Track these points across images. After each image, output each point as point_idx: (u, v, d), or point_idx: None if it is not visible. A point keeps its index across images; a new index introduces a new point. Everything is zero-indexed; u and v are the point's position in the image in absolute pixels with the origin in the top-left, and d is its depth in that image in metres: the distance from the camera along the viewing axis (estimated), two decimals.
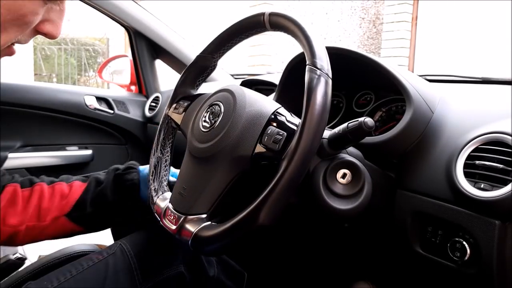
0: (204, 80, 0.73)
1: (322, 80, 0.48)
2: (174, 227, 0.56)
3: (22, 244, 0.73)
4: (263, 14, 0.58)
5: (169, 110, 0.72)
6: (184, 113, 0.68)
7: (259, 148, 0.52)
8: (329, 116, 0.56)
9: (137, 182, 0.77)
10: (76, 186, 0.75)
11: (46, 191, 0.72)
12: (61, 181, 0.75)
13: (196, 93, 0.72)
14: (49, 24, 0.48)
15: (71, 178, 0.77)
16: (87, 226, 0.76)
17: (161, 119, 0.73)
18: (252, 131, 0.54)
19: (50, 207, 0.71)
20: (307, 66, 0.49)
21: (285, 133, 0.51)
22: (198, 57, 0.69)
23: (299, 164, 0.46)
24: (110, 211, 0.76)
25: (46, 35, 0.49)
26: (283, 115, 0.54)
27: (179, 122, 0.69)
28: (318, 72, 0.48)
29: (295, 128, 0.52)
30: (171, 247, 0.73)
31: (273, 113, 0.54)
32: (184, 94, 0.72)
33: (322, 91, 0.47)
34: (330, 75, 0.49)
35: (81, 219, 0.74)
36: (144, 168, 0.80)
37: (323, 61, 0.49)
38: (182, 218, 0.55)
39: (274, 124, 0.53)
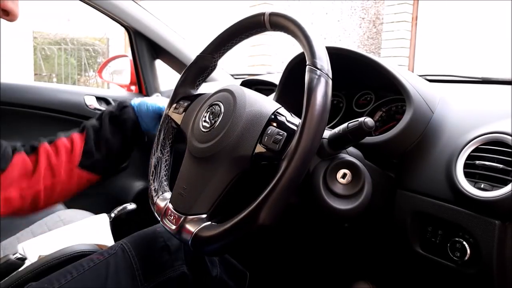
0: (204, 80, 0.73)
1: (322, 80, 0.48)
2: (174, 227, 0.56)
3: (47, 207, 0.74)
4: (263, 14, 0.58)
5: (169, 110, 0.72)
6: (184, 113, 0.68)
7: (259, 148, 0.52)
8: (329, 116, 0.56)
9: (135, 118, 0.80)
10: (76, 138, 0.76)
11: (50, 149, 0.73)
12: (59, 137, 0.76)
13: (196, 93, 0.72)
14: (9, 1, 0.52)
15: (67, 133, 0.78)
16: (101, 171, 0.77)
17: (161, 119, 0.73)
18: (252, 131, 0.53)
19: (60, 163, 0.72)
20: (307, 66, 0.49)
21: (285, 133, 0.51)
22: (198, 57, 0.69)
23: (299, 164, 0.46)
24: (116, 152, 0.78)
25: (9, 14, 0.53)
26: (283, 115, 0.54)
27: (179, 122, 0.69)
28: (318, 72, 0.48)
29: (295, 128, 0.52)
30: (173, 247, 0.73)
31: (273, 113, 0.54)
32: (184, 94, 0.72)
33: (322, 91, 0.47)
34: (330, 75, 0.49)
35: (93, 166, 0.76)
36: (138, 104, 0.82)
37: (323, 61, 0.49)
38: (182, 218, 0.55)
39: (274, 124, 0.53)
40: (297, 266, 1.03)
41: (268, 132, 0.52)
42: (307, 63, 0.50)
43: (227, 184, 0.54)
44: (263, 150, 0.52)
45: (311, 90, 0.47)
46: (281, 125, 0.53)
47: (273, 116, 0.54)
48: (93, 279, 0.64)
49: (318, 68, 0.48)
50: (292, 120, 0.53)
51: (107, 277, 0.64)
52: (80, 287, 0.63)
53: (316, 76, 0.48)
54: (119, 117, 0.79)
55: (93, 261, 0.67)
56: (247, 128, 0.54)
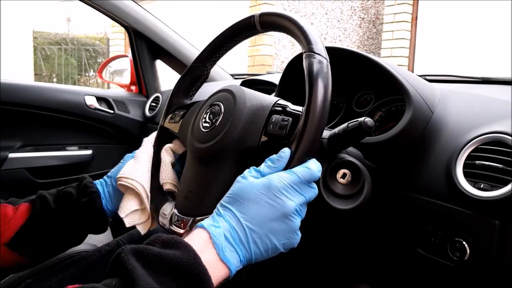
0: (198, 89, 0.72)
1: (321, 62, 0.48)
2: (182, 230, 0.56)
3: None
4: (253, 16, 0.58)
5: (164, 121, 0.71)
6: (181, 120, 0.68)
7: (265, 138, 0.52)
8: (329, 116, 0.56)
9: (99, 205, 0.67)
10: (20, 212, 0.63)
11: None
12: (8, 203, 0.64)
13: (190, 102, 0.71)
14: None
15: (19, 201, 0.65)
16: (32, 258, 0.65)
17: (157, 131, 0.72)
18: (256, 123, 0.54)
19: None
20: (304, 54, 0.50)
21: (290, 119, 0.51)
22: (190, 66, 0.68)
23: (310, 140, 0.47)
24: (58, 242, 0.66)
25: None
26: (284, 105, 0.54)
27: (176, 131, 0.68)
28: (316, 56, 0.49)
29: (299, 113, 0.52)
30: None
31: (274, 104, 0.55)
32: (178, 104, 0.71)
33: (323, 72, 0.48)
34: (328, 58, 0.50)
35: (23, 250, 0.62)
36: (100, 181, 0.71)
37: (319, 45, 0.50)
38: (190, 221, 0.55)
39: (278, 112, 0.53)
40: (298, 267, 1.02)
41: (273, 120, 0.52)
42: (303, 51, 0.50)
43: (233, 179, 0.54)
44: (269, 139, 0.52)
45: (312, 72, 0.48)
46: (285, 112, 0.53)
47: (275, 106, 0.54)
48: (90, 275, 0.64)
49: (315, 52, 0.49)
50: (295, 107, 0.54)
51: (104, 273, 0.64)
52: (77, 283, 0.63)
53: (315, 60, 0.48)
54: (77, 202, 0.65)
55: (90, 257, 0.67)
56: (250, 121, 0.54)
